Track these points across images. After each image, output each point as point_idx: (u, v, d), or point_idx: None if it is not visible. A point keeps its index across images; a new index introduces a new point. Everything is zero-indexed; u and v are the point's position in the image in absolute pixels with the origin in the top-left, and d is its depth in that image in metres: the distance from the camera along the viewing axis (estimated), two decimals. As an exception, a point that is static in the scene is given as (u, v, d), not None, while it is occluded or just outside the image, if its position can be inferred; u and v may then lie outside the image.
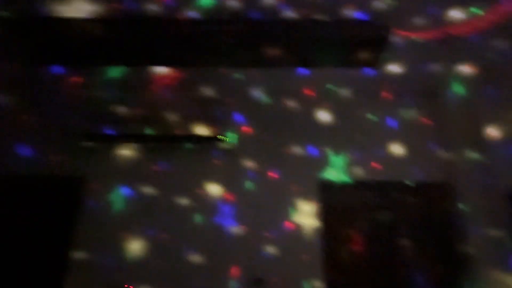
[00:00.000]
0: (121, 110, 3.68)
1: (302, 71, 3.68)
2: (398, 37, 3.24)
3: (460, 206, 3.41)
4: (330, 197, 3.61)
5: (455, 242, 3.36)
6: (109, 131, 3.59)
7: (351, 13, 2.96)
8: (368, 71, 3.49)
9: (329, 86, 3.93)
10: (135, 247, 3.29)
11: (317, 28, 2.86)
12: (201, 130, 3.61)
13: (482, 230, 3.26)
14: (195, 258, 3.27)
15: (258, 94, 3.99)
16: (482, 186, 3.37)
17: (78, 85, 3.73)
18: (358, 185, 3.66)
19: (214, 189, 3.53)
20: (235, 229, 3.37)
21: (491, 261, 3.12)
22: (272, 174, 3.62)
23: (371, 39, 2.78)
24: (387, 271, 3.35)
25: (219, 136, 3.58)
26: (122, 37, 3.04)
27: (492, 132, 3.43)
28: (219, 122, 3.79)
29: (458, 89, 3.73)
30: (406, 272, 3.35)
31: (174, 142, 3.62)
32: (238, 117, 3.89)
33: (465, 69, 3.67)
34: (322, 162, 3.69)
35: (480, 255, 3.19)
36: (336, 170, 3.66)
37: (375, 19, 2.91)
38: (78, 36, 2.95)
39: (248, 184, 3.57)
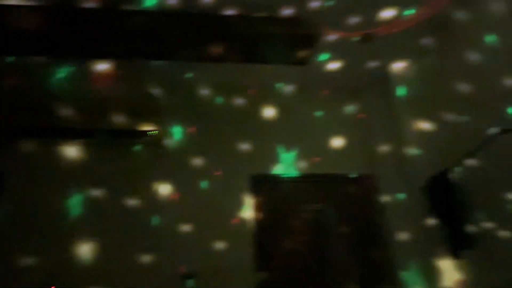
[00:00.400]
0: (61, 104, 3.55)
1: (246, 67, 3.77)
2: (333, 35, 3.41)
3: (386, 197, 3.64)
4: (272, 191, 3.70)
5: (388, 232, 3.54)
6: (47, 126, 3.42)
7: (287, 11, 3.06)
8: (309, 68, 3.63)
9: (271, 82, 4.06)
10: (81, 249, 3.17)
11: (250, 24, 2.92)
12: (145, 126, 3.51)
13: (407, 219, 3.49)
14: (145, 258, 3.21)
15: (203, 90, 4.03)
16: (404, 178, 3.60)
17: (14, 78, 3.58)
18: (299, 179, 3.77)
19: (160, 187, 3.48)
20: (183, 227, 3.35)
21: (424, 248, 3.31)
22: (218, 170, 3.63)
23: (304, 37, 2.87)
24: (322, 260, 3.46)
25: (151, 132, 3.51)
26: (62, 28, 2.94)
27: (414, 126, 3.67)
28: (163, 118, 3.75)
29: (387, 85, 3.97)
30: (341, 260, 3.47)
31: (115, 138, 3.52)
32: (183, 113, 3.88)
33: (398, 66, 3.91)
34: (267, 157, 3.77)
35: (413, 242, 3.39)
36: (281, 165, 3.75)
37: (310, 17, 3.03)
38: (13, 25, 2.82)
39: (195, 181, 3.56)
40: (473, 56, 2.87)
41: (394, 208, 3.57)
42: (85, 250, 3.16)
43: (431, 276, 3.17)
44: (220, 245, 3.32)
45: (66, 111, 3.46)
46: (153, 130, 3.48)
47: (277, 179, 3.75)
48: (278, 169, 3.73)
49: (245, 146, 3.78)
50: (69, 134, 3.48)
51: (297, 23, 2.96)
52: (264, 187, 3.69)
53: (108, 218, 3.29)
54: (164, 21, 3.05)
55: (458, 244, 2.91)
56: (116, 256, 3.17)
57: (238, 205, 3.52)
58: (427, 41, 3.45)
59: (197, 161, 3.64)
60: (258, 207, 3.58)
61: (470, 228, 2.87)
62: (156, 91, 3.88)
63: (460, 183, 3.01)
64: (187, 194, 3.48)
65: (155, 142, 3.63)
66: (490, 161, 2.73)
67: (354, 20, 3.24)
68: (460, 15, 3.02)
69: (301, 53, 2.99)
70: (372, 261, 3.49)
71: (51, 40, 3.06)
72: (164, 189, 3.48)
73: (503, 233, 2.55)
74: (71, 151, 3.51)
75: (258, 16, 3.08)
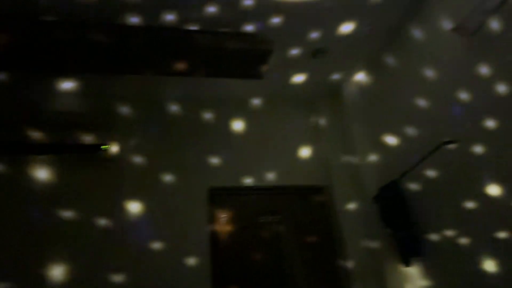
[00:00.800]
0: (24, 120, 3.47)
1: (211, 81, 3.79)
2: (296, 49, 3.51)
3: (342, 207, 3.69)
4: (230, 203, 3.71)
5: (345, 241, 3.58)
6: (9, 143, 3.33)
7: (245, 27, 3.12)
8: (268, 82, 3.70)
9: (233, 96, 4.10)
10: (52, 270, 3.08)
11: (211, 39, 2.96)
12: (102, 141, 3.45)
13: (364, 228, 3.56)
14: (117, 277, 3.14)
15: (171, 104, 4.03)
16: (360, 188, 3.69)
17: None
18: (257, 191, 3.81)
19: (124, 204, 3.42)
20: (154, 243, 3.31)
21: (381, 256, 3.37)
22: (181, 184, 3.61)
23: (260, 52, 2.93)
24: (282, 271, 3.47)
25: (105, 147, 3.45)
26: (24, 42, 2.88)
27: (369, 137, 3.77)
28: (127, 133, 3.74)
29: (343, 97, 4.08)
30: (301, 272, 3.49)
31: (73, 154, 3.46)
32: (153, 128, 3.87)
33: (355, 79, 4.02)
34: (227, 170, 3.79)
35: (370, 250, 3.45)
36: (241, 177, 3.78)
37: (267, 33, 3.10)
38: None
39: (159, 196, 3.52)
40: (427, 72, 2.97)
41: (351, 218, 3.63)
42: (56, 271, 3.09)
43: (389, 284, 3.22)
44: (183, 260, 3.29)
45: (29, 127, 3.39)
46: (105, 145, 3.41)
47: (235, 191, 3.77)
48: (238, 181, 3.76)
49: (206, 159, 3.80)
50: (32, 150, 3.40)
51: (254, 38, 3.01)
52: (223, 200, 3.70)
53: (75, 238, 3.22)
54: (128, 36, 3.04)
55: (407, 252, 2.99)
56: (86, 277, 3.09)
57: (201, 219, 3.50)
58: (382, 55, 3.57)
59: (159, 176, 3.61)
60: (217, 220, 3.58)
61: (420, 236, 2.97)
62: (120, 106, 3.86)
63: (408, 192, 3.11)
64: (152, 210, 3.44)
65: (114, 158, 3.59)
66: (437, 171, 2.83)
67: (313, 35, 3.34)
68: (416, 32, 3.14)
69: (258, 68, 3.04)
70: (331, 271, 3.53)
71: (13, 55, 3.00)
72: (130, 206, 3.43)
73: (453, 241, 2.63)
74: (36, 169, 3.43)
75: (219, 31, 3.12)
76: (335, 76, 3.97)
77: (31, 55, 3.06)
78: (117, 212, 3.39)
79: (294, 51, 3.52)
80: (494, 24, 2.38)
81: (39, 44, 2.96)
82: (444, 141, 2.64)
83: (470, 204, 2.52)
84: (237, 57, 2.97)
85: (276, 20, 3.11)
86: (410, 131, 3.17)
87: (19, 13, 2.87)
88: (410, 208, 3.07)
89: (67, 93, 3.65)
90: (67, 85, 3.59)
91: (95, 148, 3.44)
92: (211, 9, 2.96)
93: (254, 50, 2.91)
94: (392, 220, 3.16)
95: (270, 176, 3.84)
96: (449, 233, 2.68)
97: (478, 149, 2.46)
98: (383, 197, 3.28)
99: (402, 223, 3.04)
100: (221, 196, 3.70)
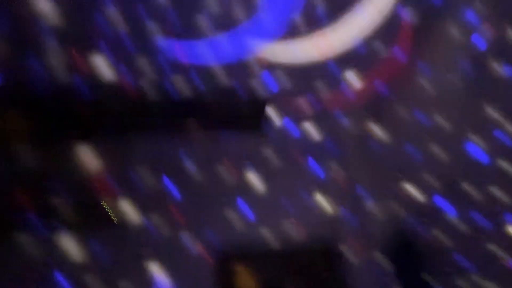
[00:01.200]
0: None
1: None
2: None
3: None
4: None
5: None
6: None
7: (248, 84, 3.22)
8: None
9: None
10: None
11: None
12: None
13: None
14: None
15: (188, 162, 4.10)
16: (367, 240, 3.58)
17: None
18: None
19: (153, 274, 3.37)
20: None
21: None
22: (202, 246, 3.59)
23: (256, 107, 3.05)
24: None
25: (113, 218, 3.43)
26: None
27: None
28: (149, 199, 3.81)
29: None
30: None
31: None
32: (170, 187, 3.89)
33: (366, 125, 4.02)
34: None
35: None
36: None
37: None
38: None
39: (182, 257, 3.49)
40: (436, 117, 2.98)
41: (366, 272, 3.48)
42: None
43: None
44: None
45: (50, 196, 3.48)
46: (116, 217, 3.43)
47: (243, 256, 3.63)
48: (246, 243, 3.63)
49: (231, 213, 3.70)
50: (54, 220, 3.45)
51: (255, 95, 3.14)
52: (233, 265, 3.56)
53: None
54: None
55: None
56: None
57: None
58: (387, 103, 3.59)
59: (176, 240, 3.51)
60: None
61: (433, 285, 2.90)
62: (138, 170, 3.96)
63: (427, 238, 3.06)
64: (173, 278, 3.30)
65: (135, 227, 3.57)
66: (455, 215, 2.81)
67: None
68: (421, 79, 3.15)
69: (257, 121, 3.14)
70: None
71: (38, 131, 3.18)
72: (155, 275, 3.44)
73: (478, 284, 2.58)
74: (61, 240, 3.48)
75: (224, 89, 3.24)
76: (341, 124, 3.96)
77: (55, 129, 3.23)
78: (143, 283, 3.35)
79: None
80: (496, 66, 2.41)
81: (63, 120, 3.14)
82: None
83: (492, 247, 2.48)
84: (237, 113, 3.08)
85: (280, 77, 3.23)
86: (420, 178, 3.14)
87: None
88: (422, 255, 3.02)
89: (85, 160, 3.75)
90: (85, 151, 3.70)
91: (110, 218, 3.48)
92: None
93: (254, 105, 3.01)
94: (402, 271, 3.09)
95: (282, 233, 3.69)
96: (474, 277, 2.63)
97: (496, 191, 2.44)
98: (392, 247, 3.24)
99: (412, 272, 2.98)
100: (231, 261, 3.58)
